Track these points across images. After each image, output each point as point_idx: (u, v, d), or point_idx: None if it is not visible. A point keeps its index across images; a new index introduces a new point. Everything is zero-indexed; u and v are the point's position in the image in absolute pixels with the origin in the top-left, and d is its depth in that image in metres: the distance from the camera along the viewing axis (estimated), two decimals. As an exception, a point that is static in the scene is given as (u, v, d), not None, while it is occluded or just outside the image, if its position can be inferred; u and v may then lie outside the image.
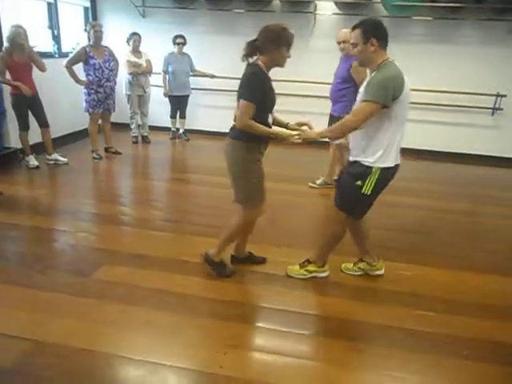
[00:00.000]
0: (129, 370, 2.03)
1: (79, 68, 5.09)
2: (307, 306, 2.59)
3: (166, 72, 6.13)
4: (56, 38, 5.92)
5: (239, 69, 7.14)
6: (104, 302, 2.48)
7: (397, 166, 2.48)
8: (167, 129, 6.61)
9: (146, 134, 6.32)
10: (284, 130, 2.66)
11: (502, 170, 5.79)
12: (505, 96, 5.80)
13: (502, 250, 3.43)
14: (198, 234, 3.43)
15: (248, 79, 2.47)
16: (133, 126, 6.21)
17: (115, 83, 5.35)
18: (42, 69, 4.69)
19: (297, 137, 2.51)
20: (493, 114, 5.94)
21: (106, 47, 5.24)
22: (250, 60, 2.52)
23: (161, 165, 5.60)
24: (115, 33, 6.31)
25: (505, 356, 2.21)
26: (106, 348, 2.11)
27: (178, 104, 6.37)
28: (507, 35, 5.68)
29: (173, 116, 6.50)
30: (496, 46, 5.75)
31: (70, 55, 5.15)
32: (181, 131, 6.60)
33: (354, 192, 2.48)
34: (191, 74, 6.28)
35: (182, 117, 6.52)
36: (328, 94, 4.48)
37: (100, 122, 5.47)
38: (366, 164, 2.42)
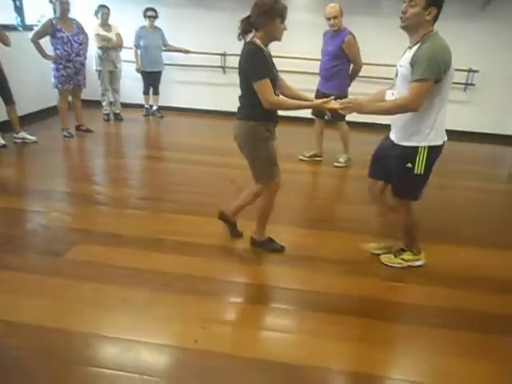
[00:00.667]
0: (104, 347, 2.03)
1: (46, 42, 4.87)
2: (285, 280, 2.62)
3: (137, 47, 5.94)
4: (19, 10, 5.62)
5: (214, 43, 7.05)
6: (78, 281, 2.45)
7: (444, 142, 2.42)
8: (140, 106, 6.46)
9: (118, 111, 6.16)
10: (315, 100, 2.60)
11: (474, 145, 5.92)
12: (477, 71, 5.88)
13: (474, 223, 3.53)
14: (174, 212, 3.40)
15: (250, 60, 2.42)
16: (104, 103, 6.04)
17: (85, 58, 5.15)
18: (6, 43, 4.47)
19: (346, 107, 2.40)
20: (465, 89, 6.02)
21: (73, 20, 5.02)
22: (247, 38, 2.47)
23: (134, 142, 5.49)
24: (82, 5, 6.04)
25: (477, 324, 2.30)
26: (80, 327, 2.10)
27: (151, 80, 6.22)
28: (480, 11, 5.71)
29: (146, 92, 6.35)
30: (469, 22, 5.77)
31: (36, 28, 4.92)
32: (154, 108, 6.45)
33: (408, 175, 2.42)
34: (164, 48, 6.11)
35: (156, 93, 6.37)
36: (310, 70, 4.43)
37: (70, 98, 5.29)
38: (414, 145, 2.37)
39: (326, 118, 3.80)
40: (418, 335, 2.19)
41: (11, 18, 5.56)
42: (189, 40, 6.19)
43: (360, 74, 4.49)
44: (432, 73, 2.17)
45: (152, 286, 2.44)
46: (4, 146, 4.68)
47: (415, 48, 2.26)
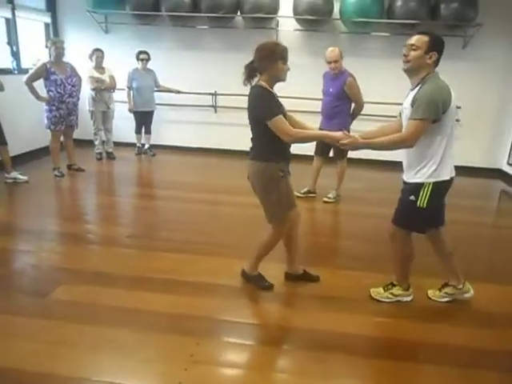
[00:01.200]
0: (87, 391, 1.97)
1: (40, 84, 4.99)
2: (269, 318, 2.62)
3: (130, 88, 6.10)
4: (15, 54, 5.79)
5: (205, 83, 7.24)
6: (61, 322, 2.41)
7: (452, 178, 2.49)
8: (132, 144, 6.55)
9: (110, 150, 6.24)
10: (333, 132, 2.64)
11: (458, 179, 5.96)
12: (459, 108, 6.03)
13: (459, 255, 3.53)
14: (163, 250, 3.39)
15: (260, 101, 2.52)
16: (97, 143, 6.12)
17: (78, 99, 5.26)
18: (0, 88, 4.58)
19: (346, 141, 2.44)
20: (450, 124, 6.18)
21: (67, 63, 5.17)
22: (252, 82, 2.60)
23: (126, 181, 5.52)
24: (77, 49, 6.24)
25: (458, 358, 2.27)
26: (62, 370, 2.05)
27: (143, 119, 6.34)
28: (461, 50, 5.95)
29: (138, 131, 6.45)
30: (450, 61, 5.92)
31: (30, 71, 5.06)
32: (146, 146, 6.54)
33: (410, 207, 2.46)
34: (156, 89, 6.27)
35: (148, 132, 6.48)
36: (310, 109, 4.57)
37: (62, 138, 5.36)
38: (420, 181, 2.42)
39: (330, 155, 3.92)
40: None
41: (8, 63, 5.72)
42: (180, 81, 6.36)
43: (362, 113, 4.65)
44: (430, 113, 2.25)
45: (137, 326, 2.40)
46: (-6, 186, 4.70)
47: (416, 89, 2.35)
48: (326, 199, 4.68)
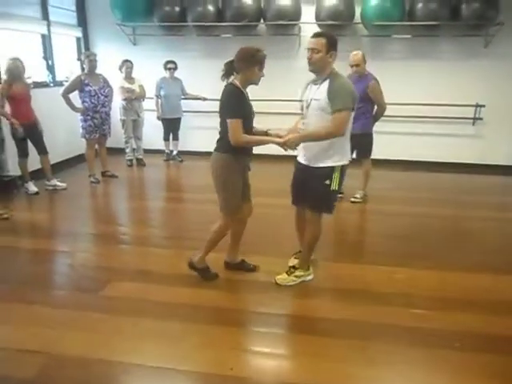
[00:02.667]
0: (142, 376, 2.14)
1: (74, 96, 5.25)
2: (301, 309, 2.74)
3: (158, 96, 6.33)
4: (50, 68, 6.10)
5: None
6: (114, 315, 2.59)
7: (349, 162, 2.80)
8: (161, 151, 6.77)
9: (140, 156, 6.48)
10: (276, 138, 2.79)
11: (483, 177, 6.00)
12: (483, 106, 6.07)
13: (484, 251, 3.60)
14: (196, 249, 3.53)
15: (227, 99, 2.72)
16: (128, 150, 6.37)
17: (110, 109, 5.51)
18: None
19: (284, 140, 2.66)
20: (473, 123, 6.21)
21: (100, 75, 5.42)
22: (229, 80, 2.79)
23: (156, 186, 5.74)
24: (107, 61, 6.49)
25: (491, 346, 2.36)
26: (120, 357, 2.22)
27: (171, 127, 6.56)
28: (483, 49, 5.99)
29: (166, 138, 6.67)
30: (473, 60, 6.05)
31: (66, 84, 5.34)
32: (174, 153, 6.76)
33: (325, 190, 2.72)
34: (183, 97, 6.49)
35: (175, 139, 6.70)
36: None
37: (96, 146, 5.61)
38: (331, 165, 2.69)
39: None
40: (437, 358, 2.26)
41: (44, 76, 6.03)
42: (206, 88, 6.54)
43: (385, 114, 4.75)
44: (350, 103, 2.57)
45: (184, 318, 2.57)
46: (37, 193, 4.96)
47: (325, 84, 2.61)
48: (353, 199, 4.77)
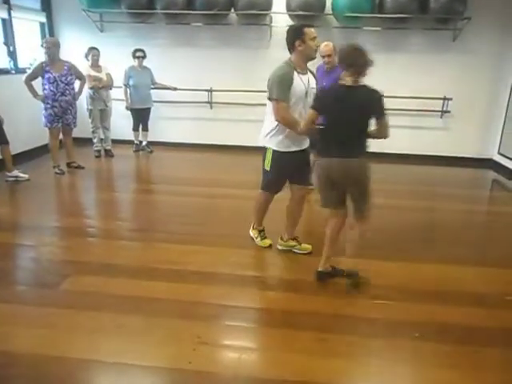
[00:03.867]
0: (101, 372, 2.09)
1: (39, 83, 5.06)
2: (271, 303, 2.71)
3: (127, 85, 6.17)
4: (12, 54, 5.84)
5: (200, 80, 7.32)
6: (73, 310, 2.51)
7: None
8: (130, 142, 6.62)
9: (108, 147, 6.32)
10: None
11: (453, 169, 6.14)
12: (451, 99, 6.19)
13: (454, 242, 3.67)
14: (165, 242, 3.49)
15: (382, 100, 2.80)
16: (95, 140, 6.20)
17: (73, 98, 5.30)
18: None
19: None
20: (441, 116, 6.31)
21: (66, 62, 5.21)
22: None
23: (125, 177, 5.61)
24: (73, 48, 6.29)
25: (451, 336, 2.41)
26: (78, 354, 2.15)
27: (141, 117, 6.41)
28: (451, 43, 6.08)
29: (135, 129, 6.53)
30: (441, 53, 6.14)
31: (29, 71, 5.12)
32: (144, 143, 6.63)
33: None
34: (152, 86, 6.35)
35: (145, 129, 6.56)
36: None
37: (61, 136, 5.43)
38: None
39: None
40: (397, 348, 2.28)
41: (5, 63, 5.77)
42: (176, 78, 6.44)
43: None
44: None
45: (145, 312, 2.51)
46: (-4, 184, 4.77)
47: (309, 74, 2.98)
48: None
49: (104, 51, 5.97)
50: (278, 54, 6.60)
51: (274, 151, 3.01)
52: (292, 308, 2.64)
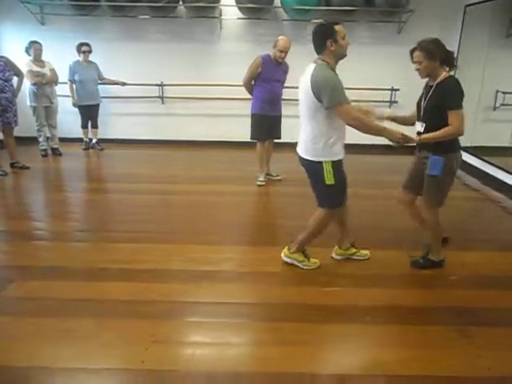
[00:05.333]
0: (48, 379, 1.99)
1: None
2: (225, 296, 2.69)
3: (72, 81, 5.93)
4: None
5: (151, 74, 7.15)
6: (16, 317, 2.39)
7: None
8: (79, 140, 6.39)
9: (56, 146, 6.06)
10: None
11: (399, 157, 6.29)
12: (398, 90, 6.39)
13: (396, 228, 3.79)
14: (116, 241, 3.40)
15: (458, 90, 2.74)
16: (41, 139, 5.92)
17: (12, 95, 5.03)
18: None
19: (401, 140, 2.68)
20: (390, 106, 6.51)
21: (1, 57, 4.95)
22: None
23: (74, 176, 5.40)
24: (13, 42, 5.97)
25: (400, 317, 2.49)
26: (22, 362, 2.05)
27: (89, 113, 6.20)
28: (396, 35, 6.27)
29: (84, 126, 6.30)
30: (388, 45, 6.31)
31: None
32: (94, 141, 6.41)
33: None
34: (100, 82, 6.14)
35: (94, 126, 6.35)
36: (237, 96, 4.67)
37: (2, 136, 5.14)
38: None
39: None
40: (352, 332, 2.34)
41: None
42: (125, 72, 6.27)
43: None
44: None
45: (94, 315, 2.43)
46: None
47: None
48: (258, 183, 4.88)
49: (46, 45, 5.69)
50: (229, 47, 6.63)
51: (334, 162, 2.68)
52: (246, 300, 2.64)
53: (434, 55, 2.65)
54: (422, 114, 2.84)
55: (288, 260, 3.01)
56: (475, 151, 5.65)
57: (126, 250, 3.25)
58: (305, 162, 2.78)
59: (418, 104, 2.90)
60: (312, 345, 2.25)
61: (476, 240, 3.56)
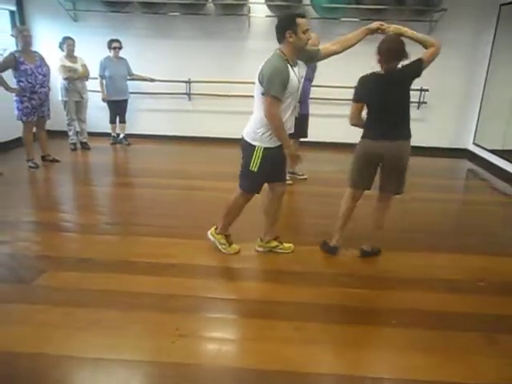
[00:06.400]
0: (77, 368, 2.04)
1: (9, 75, 4.89)
2: (248, 293, 2.71)
3: (102, 77, 6.04)
4: (-20, 44, 5.65)
5: (178, 71, 7.22)
6: (48, 306, 2.46)
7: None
8: (107, 134, 6.50)
9: (85, 140, 6.19)
10: None
11: (433, 160, 6.21)
12: (427, 90, 6.27)
13: (427, 230, 3.73)
14: (144, 234, 3.45)
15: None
16: (71, 133, 6.06)
17: (49, 89, 5.19)
18: None
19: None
20: (418, 107, 6.39)
21: (35, 52, 5.08)
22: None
23: (102, 170, 5.51)
24: (45, 38, 6.13)
25: (428, 321, 2.46)
26: (53, 350, 2.11)
27: (117, 109, 6.30)
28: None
29: (112, 121, 6.41)
30: (418, 45, 6.16)
31: (-2, 62, 4.96)
32: (121, 136, 6.51)
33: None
34: (129, 78, 6.24)
35: (122, 121, 6.45)
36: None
37: (35, 129, 5.29)
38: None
39: None
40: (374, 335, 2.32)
41: (-27, 52, 5.57)
42: (153, 69, 6.35)
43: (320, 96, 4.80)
44: None
45: (123, 306, 2.48)
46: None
47: (299, 64, 2.86)
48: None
49: (78, 41, 5.80)
50: (257, 44, 6.62)
51: (265, 149, 2.75)
52: (270, 298, 2.65)
53: None
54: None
55: (211, 238, 3.17)
56: (506, 154, 5.50)
57: (152, 243, 3.30)
58: (243, 142, 2.88)
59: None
60: (335, 345, 2.24)
61: (504, 245, 3.48)
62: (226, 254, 3.12)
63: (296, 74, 2.71)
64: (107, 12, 6.22)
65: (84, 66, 5.82)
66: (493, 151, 5.83)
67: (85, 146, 6.17)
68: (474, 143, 6.33)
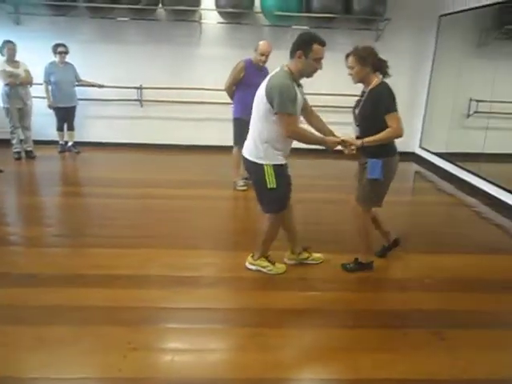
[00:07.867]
0: (20, 390, 1.93)
1: None
2: (204, 301, 2.67)
3: (48, 83, 5.81)
4: None
5: (129, 77, 7.06)
6: (-13, 326, 2.31)
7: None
8: (55, 142, 6.24)
9: (29, 148, 5.91)
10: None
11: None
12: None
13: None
14: (93, 246, 3.33)
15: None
16: (14, 142, 5.77)
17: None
18: None
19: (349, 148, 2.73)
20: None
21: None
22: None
23: (49, 180, 5.27)
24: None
25: (377, 320, 2.53)
26: (-6, 372, 1.98)
27: (65, 116, 6.08)
28: (374, 43, 6.36)
29: (60, 128, 6.17)
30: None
31: None
32: (70, 144, 6.28)
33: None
34: (77, 83, 6.03)
35: (71, 129, 6.22)
36: (217, 100, 4.64)
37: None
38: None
39: None
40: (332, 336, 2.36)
41: None
42: (102, 75, 6.17)
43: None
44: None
45: (73, 322, 2.37)
46: None
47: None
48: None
49: (21, 46, 5.56)
50: (209, 51, 6.61)
51: (275, 165, 2.66)
52: (226, 305, 2.63)
53: (366, 61, 2.71)
54: (357, 120, 2.88)
55: (252, 267, 3.00)
56: (449, 157, 5.80)
57: (103, 255, 3.19)
58: (248, 164, 2.78)
59: (354, 110, 2.91)
60: (293, 350, 2.25)
61: (450, 244, 3.65)
62: (181, 264, 3.06)
63: (300, 94, 2.65)
64: (52, 15, 6.00)
65: (27, 71, 5.59)
66: (437, 154, 6.13)
67: (30, 155, 5.89)
68: (421, 147, 6.63)
